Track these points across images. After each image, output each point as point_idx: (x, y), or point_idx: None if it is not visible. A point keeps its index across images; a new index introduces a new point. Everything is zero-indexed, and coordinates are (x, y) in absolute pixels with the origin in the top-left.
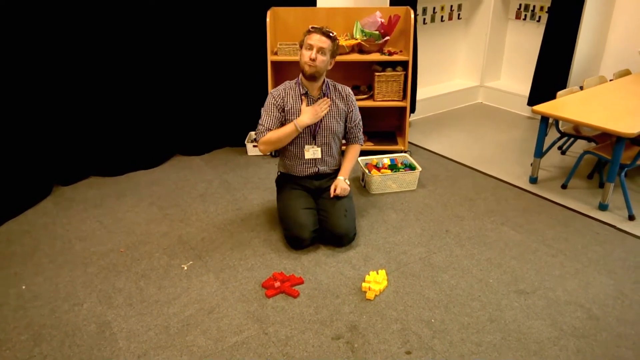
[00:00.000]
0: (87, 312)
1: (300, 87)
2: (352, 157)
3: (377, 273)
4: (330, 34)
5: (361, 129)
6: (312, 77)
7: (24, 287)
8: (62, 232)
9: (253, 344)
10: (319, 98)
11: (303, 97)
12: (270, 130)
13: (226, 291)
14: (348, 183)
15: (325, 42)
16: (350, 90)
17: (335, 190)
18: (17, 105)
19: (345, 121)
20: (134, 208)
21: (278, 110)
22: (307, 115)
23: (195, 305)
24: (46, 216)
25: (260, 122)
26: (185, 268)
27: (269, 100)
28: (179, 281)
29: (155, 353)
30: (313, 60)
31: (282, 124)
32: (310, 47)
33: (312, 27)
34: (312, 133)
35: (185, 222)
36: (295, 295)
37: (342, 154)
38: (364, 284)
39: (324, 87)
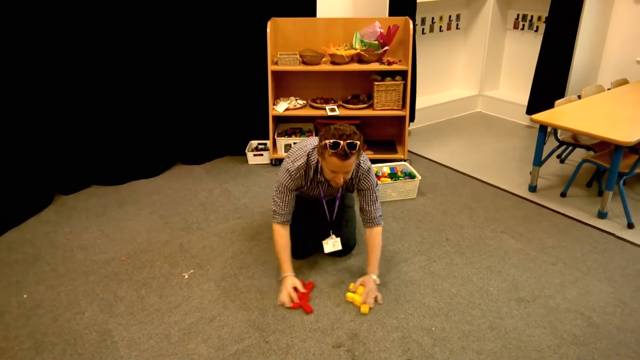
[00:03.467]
0: (89, 321)
1: (319, 174)
2: (377, 246)
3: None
4: (354, 150)
5: (378, 208)
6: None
7: (25, 295)
8: (64, 240)
9: (254, 353)
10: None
11: (321, 183)
12: (286, 217)
13: (227, 300)
14: (375, 279)
15: (350, 165)
16: (364, 172)
17: (368, 299)
18: (19, 114)
19: (358, 191)
20: (135, 217)
21: (293, 193)
22: (282, 290)
23: (196, 314)
24: (48, 225)
25: (275, 201)
26: (186, 276)
27: (286, 183)
28: (180, 290)
29: None
30: (339, 184)
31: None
32: (335, 172)
33: (330, 146)
34: (321, 197)
35: (186, 231)
36: (308, 312)
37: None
38: (348, 294)
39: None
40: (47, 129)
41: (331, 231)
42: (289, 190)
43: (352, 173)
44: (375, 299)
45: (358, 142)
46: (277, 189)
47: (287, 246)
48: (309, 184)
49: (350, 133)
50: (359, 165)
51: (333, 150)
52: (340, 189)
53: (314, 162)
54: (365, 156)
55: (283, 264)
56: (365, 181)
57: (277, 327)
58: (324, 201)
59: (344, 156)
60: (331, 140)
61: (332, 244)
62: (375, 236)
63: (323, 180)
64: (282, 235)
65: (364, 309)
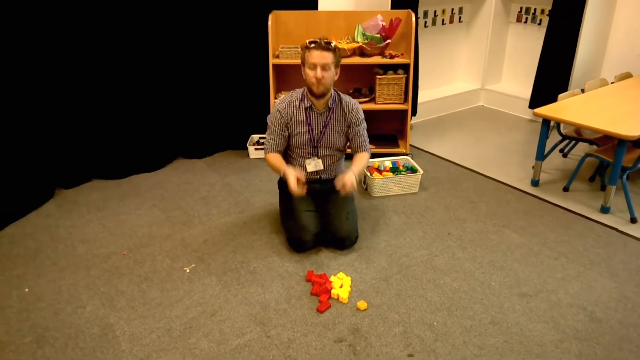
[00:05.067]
0: (90, 315)
1: (306, 101)
2: (362, 161)
3: (338, 277)
4: (330, 45)
5: (366, 141)
6: (321, 95)
7: (26, 289)
8: (65, 234)
9: (255, 347)
10: (323, 112)
11: (307, 111)
12: (277, 147)
13: (228, 294)
14: (355, 175)
15: (327, 57)
16: (355, 106)
17: (344, 185)
18: (20, 108)
19: (348, 129)
20: (137, 211)
21: (283, 127)
22: (289, 179)
23: (197, 308)
24: (49, 219)
25: (266, 136)
26: (188, 271)
27: (275, 116)
28: (181, 284)
29: (157, 356)
30: (320, 79)
31: (286, 138)
32: (314, 66)
33: (309, 42)
34: (313, 146)
35: (188, 225)
36: (322, 310)
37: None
38: (333, 291)
39: (330, 101)
40: (48, 123)
41: (316, 156)
42: (278, 124)
43: (343, 102)
44: (348, 184)
45: (334, 42)
46: (268, 129)
47: (281, 159)
48: (296, 114)
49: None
50: (350, 98)
51: (313, 44)
52: (332, 118)
53: (299, 94)
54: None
55: (280, 167)
56: (356, 114)
57: (278, 322)
58: (314, 140)
59: (323, 47)
60: (311, 38)
61: (314, 164)
62: (362, 156)
63: (310, 104)
64: (275, 156)
65: (362, 305)
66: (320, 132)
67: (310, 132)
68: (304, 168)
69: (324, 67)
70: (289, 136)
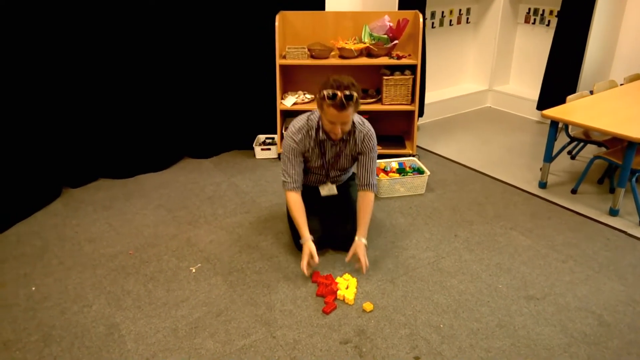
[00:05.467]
0: (96, 314)
1: (320, 134)
2: (367, 210)
3: (344, 279)
4: (350, 101)
5: (373, 174)
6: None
7: (33, 288)
8: (72, 233)
9: (261, 347)
10: (337, 143)
11: (322, 143)
12: (296, 182)
13: (234, 294)
14: (365, 243)
15: (347, 116)
16: (368, 135)
17: (358, 262)
18: (27, 108)
19: (358, 155)
20: (143, 210)
21: (300, 157)
22: (303, 255)
23: (203, 308)
24: (56, 218)
25: (283, 169)
26: (194, 270)
27: (292, 149)
28: (187, 284)
29: (163, 355)
30: (337, 134)
31: (302, 166)
32: (332, 122)
33: (327, 94)
34: (325, 169)
35: (194, 225)
36: (327, 311)
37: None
38: (339, 293)
39: (344, 134)
40: (56, 123)
41: (328, 180)
42: (295, 154)
43: (356, 132)
44: (365, 266)
45: (355, 94)
46: (283, 158)
47: (302, 210)
48: (312, 145)
49: (348, 84)
50: (364, 124)
51: (331, 101)
52: (345, 156)
53: (314, 122)
54: (370, 125)
55: (301, 229)
56: (367, 143)
57: (284, 323)
58: (326, 166)
59: (341, 107)
60: (329, 91)
61: (327, 189)
62: (367, 201)
63: (325, 138)
64: (295, 201)
65: (368, 306)
66: (333, 159)
67: (324, 161)
68: (315, 181)
69: (344, 123)
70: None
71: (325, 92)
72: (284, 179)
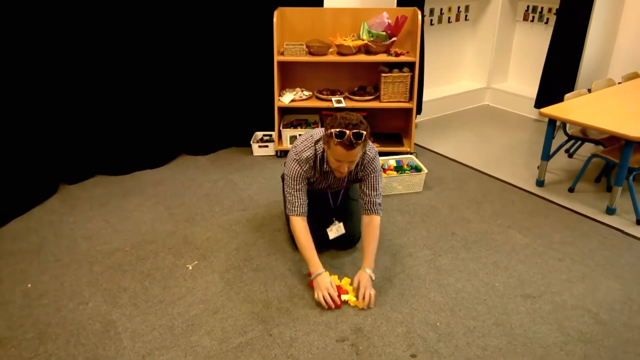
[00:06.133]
0: (92, 311)
1: (325, 165)
2: (374, 237)
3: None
4: (359, 140)
5: (378, 195)
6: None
7: (29, 285)
8: (68, 230)
9: (257, 345)
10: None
11: (327, 173)
12: (302, 207)
13: (231, 292)
14: (371, 274)
15: (355, 155)
16: (370, 157)
17: (364, 296)
18: (24, 104)
19: (360, 180)
20: (140, 207)
21: (305, 182)
22: (316, 290)
23: (200, 306)
24: (52, 214)
25: (289, 193)
26: (190, 268)
27: (298, 172)
28: (183, 281)
29: (159, 353)
30: (344, 173)
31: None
32: (339, 161)
33: (335, 134)
34: (327, 188)
35: (191, 222)
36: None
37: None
38: (342, 296)
39: None
40: (52, 119)
41: (334, 218)
42: (301, 180)
43: (358, 162)
44: (369, 301)
45: (364, 132)
46: (288, 182)
47: (310, 240)
48: (317, 174)
49: (357, 122)
50: (365, 153)
51: (339, 140)
52: (346, 179)
53: (320, 152)
54: (372, 145)
55: (310, 261)
56: (370, 167)
57: (280, 320)
58: (329, 192)
59: (350, 146)
60: (337, 129)
61: (335, 230)
62: (374, 227)
63: (329, 170)
64: (302, 230)
65: (361, 303)
66: (338, 188)
67: (329, 188)
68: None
69: (351, 163)
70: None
71: (333, 131)
72: (289, 206)
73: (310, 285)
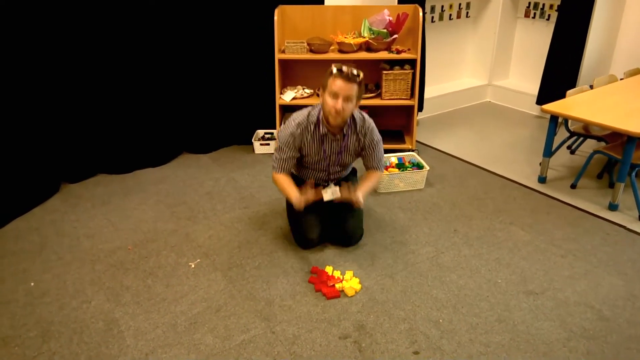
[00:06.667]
0: (95, 310)
1: (321, 127)
2: (372, 181)
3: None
4: (357, 78)
5: (382, 159)
6: (337, 125)
7: (32, 284)
8: (70, 229)
9: (260, 343)
10: (338, 138)
11: (322, 138)
12: (285, 170)
13: (233, 289)
14: (362, 199)
15: (352, 90)
16: (369, 128)
17: (350, 197)
18: (25, 103)
19: (362, 151)
20: (142, 205)
21: (295, 150)
22: (294, 200)
23: (202, 304)
24: (54, 213)
25: (275, 154)
26: (193, 266)
27: (288, 140)
28: (186, 279)
29: (162, 351)
30: (339, 110)
31: (296, 159)
32: (336, 95)
33: (336, 69)
34: (325, 165)
35: (193, 220)
36: (330, 296)
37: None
38: (337, 285)
39: (345, 128)
40: (54, 118)
41: (332, 183)
42: (289, 147)
43: (358, 127)
44: (354, 194)
45: (361, 74)
46: (277, 148)
47: (289, 181)
48: (310, 139)
49: (355, 67)
50: (364, 119)
51: (338, 72)
52: (348, 152)
53: (314, 118)
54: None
55: (290, 193)
56: (370, 138)
57: (283, 318)
58: (327, 162)
59: (348, 78)
60: (338, 65)
61: (331, 193)
62: (374, 176)
63: (326, 132)
64: (282, 177)
65: (355, 284)
66: (335, 156)
67: (324, 156)
68: (315, 175)
69: (346, 99)
70: (301, 155)
71: (334, 66)
72: (274, 164)
73: (310, 282)
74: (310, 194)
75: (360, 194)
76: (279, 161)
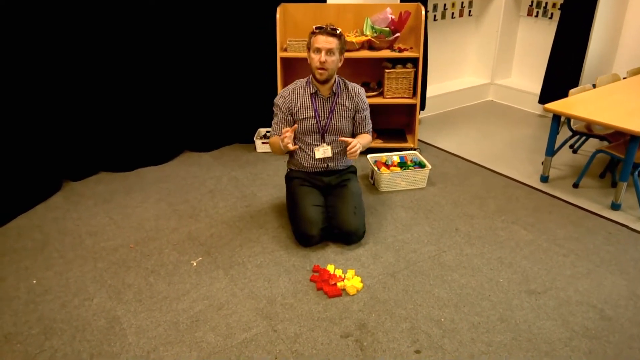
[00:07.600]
0: (97, 307)
1: (311, 87)
2: (365, 138)
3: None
4: (336, 31)
5: (369, 125)
6: (325, 81)
7: (34, 281)
8: (72, 227)
9: (262, 341)
10: (329, 97)
11: (313, 96)
12: (279, 133)
13: (235, 288)
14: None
15: (332, 42)
16: (360, 90)
17: (350, 144)
18: (28, 101)
19: (355, 114)
20: (143, 204)
21: (287, 112)
22: (279, 139)
23: (204, 302)
24: (56, 211)
25: (273, 123)
26: (195, 264)
27: (279, 102)
28: (188, 277)
29: (164, 349)
30: (323, 63)
31: (291, 123)
32: (318, 50)
33: (316, 28)
34: (320, 132)
35: (195, 218)
36: (332, 295)
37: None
38: (339, 283)
39: (334, 86)
40: (56, 116)
41: (324, 142)
42: (280, 110)
43: (349, 87)
44: (351, 145)
45: (340, 30)
46: (274, 116)
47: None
48: (301, 99)
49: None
50: (354, 86)
51: (318, 29)
52: (338, 102)
53: (303, 82)
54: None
55: (277, 140)
56: (362, 99)
57: (285, 316)
58: (321, 125)
59: (327, 32)
60: (317, 25)
61: (322, 151)
62: (366, 135)
63: (315, 90)
64: (274, 138)
65: (356, 282)
66: (327, 117)
67: (317, 118)
68: (313, 155)
69: (328, 52)
70: (295, 122)
71: (314, 27)
72: (271, 132)
73: (311, 280)
74: (290, 130)
75: (356, 140)
76: (275, 125)
